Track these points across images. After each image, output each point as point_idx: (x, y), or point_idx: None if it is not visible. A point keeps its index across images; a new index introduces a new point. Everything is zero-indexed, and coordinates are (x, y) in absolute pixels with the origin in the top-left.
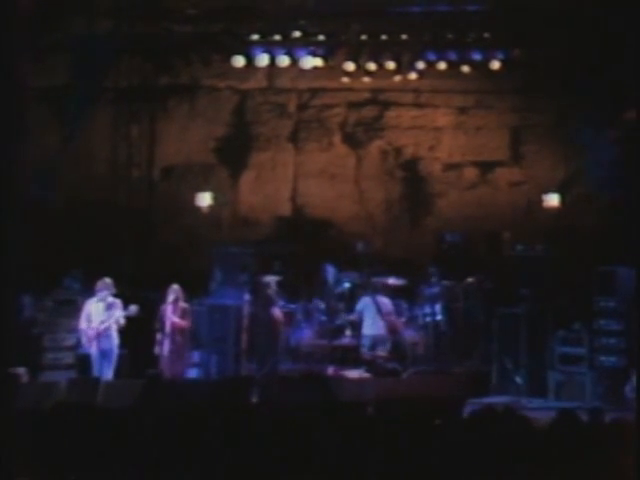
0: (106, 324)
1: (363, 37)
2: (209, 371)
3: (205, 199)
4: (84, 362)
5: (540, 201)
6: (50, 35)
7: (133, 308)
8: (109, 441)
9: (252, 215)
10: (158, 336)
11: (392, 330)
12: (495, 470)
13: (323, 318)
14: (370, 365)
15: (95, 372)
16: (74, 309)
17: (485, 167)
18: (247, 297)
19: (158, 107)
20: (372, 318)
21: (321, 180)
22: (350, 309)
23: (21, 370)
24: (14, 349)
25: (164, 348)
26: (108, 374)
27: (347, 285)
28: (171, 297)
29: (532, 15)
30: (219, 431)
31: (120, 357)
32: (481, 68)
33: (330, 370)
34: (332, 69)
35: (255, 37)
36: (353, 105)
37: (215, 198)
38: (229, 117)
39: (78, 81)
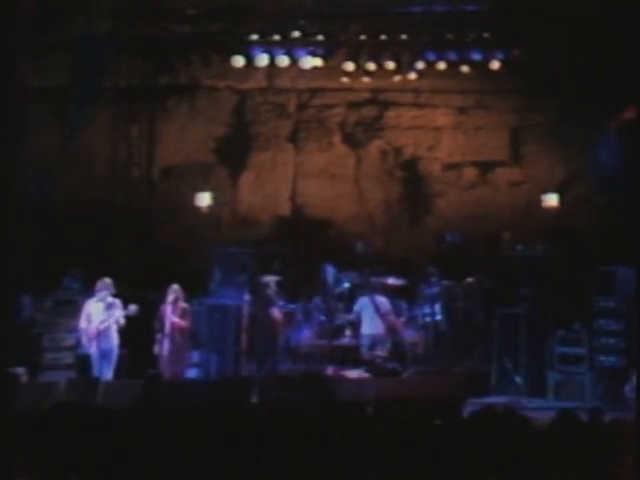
0: (106, 323)
1: (363, 37)
2: (209, 371)
3: (205, 199)
4: (84, 362)
5: (540, 201)
6: (50, 35)
7: (133, 308)
8: (109, 441)
9: (252, 215)
10: (158, 336)
11: (392, 330)
12: (495, 470)
13: (323, 318)
14: (370, 365)
15: (95, 372)
16: (74, 309)
17: (485, 167)
18: (247, 297)
19: (158, 107)
20: (370, 318)
21: (321, 180)
22: (349, 309)
23: (21, 370)
24: (13, 349)
25: (164, 348)
26: (108, 374)
27: (347, 285)
28: (171, 297)
29: (532, 15)
30: (219, 431)
31: (120, 357)
32: (481, 68)
33: (330, 370)
34: (332, 69)
35: (255, 37)
36: (353, 105)
37: (215, 198)
38: (229, 117)
39: (78, 81)
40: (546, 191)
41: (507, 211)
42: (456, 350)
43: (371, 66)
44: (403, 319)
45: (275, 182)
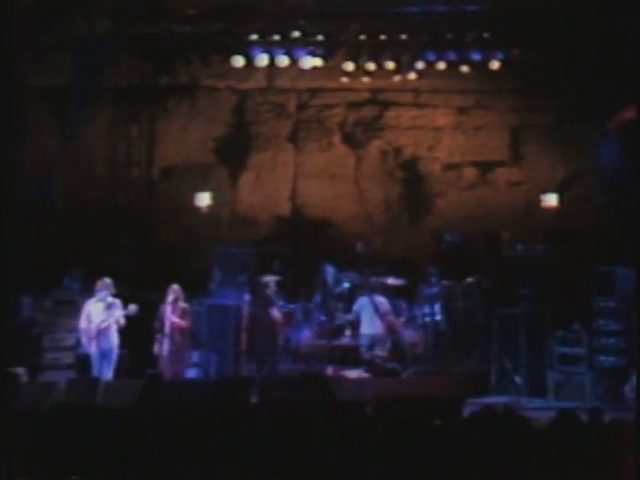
0: (106, 323)
1: (362, 37)
2: (209, 371)
3: (204, 199)
4: (84, 362)
5: (539, 201)
6: (50, 35)
7: (132, 307)
8: (109, 441)
9: (251, 215)
10: (158, 336)
11: (391, 330)
12: (495, 470)
13: (323, 318)
14: (369, 365)
15: (95, 372)
16: (74, 309)
17: (484, 167)
18: (246, 297)
19: (158, 107)
20: (369, 318)
21: (320, 180)
22: (349, 309)
23: (20, 370)
24: (13, 349)
25: (164, 348)
26: (108, 374)
27: (346, 285)
28: (171, 297)
29: (531, 15)
30: (219, 431)
31: (120, 357)
32: (480, 68)
33: (329, 370)
34: (331, 69)
35: (254, 37)
36: (352, 105)
37: (214, 198)
38: (229, 117)
39: (78, 81)
40: (546, 191)
41: (507, 211)
42: (456, 350)
43: (371, 66)
44: (403, 319)
45: (275, 182)
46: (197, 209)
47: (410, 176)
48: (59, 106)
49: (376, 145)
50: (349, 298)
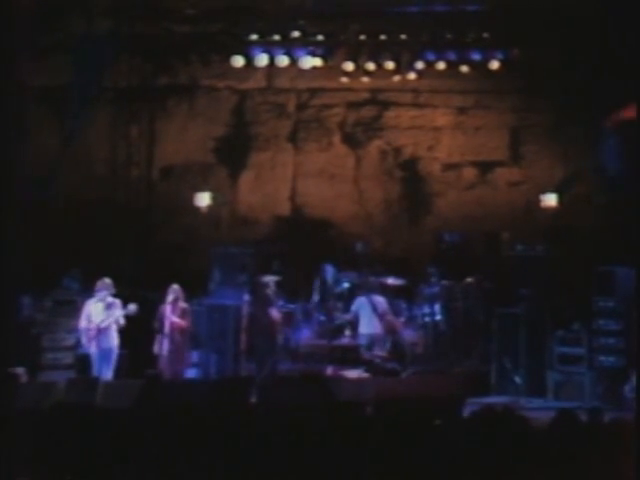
0: (106, 323)
1: (362, 37)
2: (208, 371)
3: (204, 199)
4: (83, 362)
5: (539, 201)
6: (50, 35)
7: (132, 307)
8: (108, 441)
9: (251, 215)
10: (158, 336)
11: (391, 330)
12: (495, 470)
13: (322, 318)
14: (369, 365)
15: (95, 372)
16: (73, 309)
17: (484, 167)
18: (246, 297)
19: (157, 107)
20: (368, 317)
21: (320, 180)
22: (349, 309)
23: (20, 370)
24: (13, 349)
25: (163, 348)
26: (107, 374)
27: (346, 285)
28: (171, 297)
29: (531, 15)
30: (218, 431)
31: (119, 357)
32: (480, 68)
33: (329, 370)
34: (331, 69)
35: (254, 37)
36: (352, 105)
37: (214, 198)
38: (228, 117)
39: (78, 81)
40: (545, 191)
41: (506, 211)
42: (456, 350)
43: (370, 66)
44: (402, 319)
45: (275, 182)
46: (197, 209)
47: (410, 176)
48: (59, 106)
49: (376, 145)
50: (349, 298)
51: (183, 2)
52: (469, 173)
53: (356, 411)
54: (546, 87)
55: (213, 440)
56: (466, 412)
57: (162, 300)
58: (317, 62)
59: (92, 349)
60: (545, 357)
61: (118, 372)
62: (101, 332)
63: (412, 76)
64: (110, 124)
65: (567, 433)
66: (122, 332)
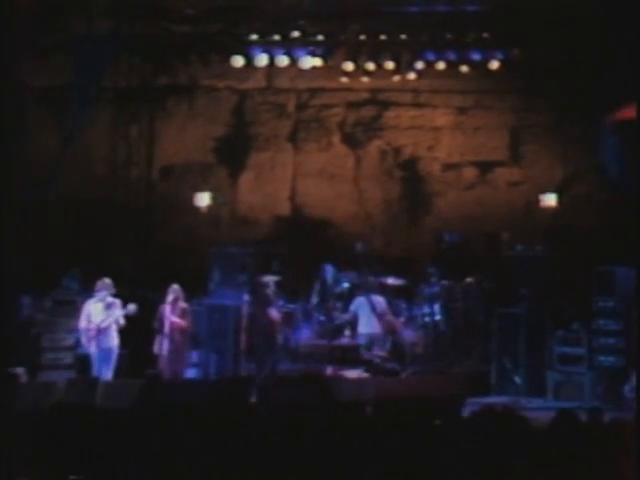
0: (106, 323)
1: (362, 37)
2: (208, 371)
3: (204, 199)
4: (83, 362)
5: (539, 201)
6: (50, 35)
7: (132, 307)
8: (108, 441)
9: (251, 215)
10: (157, 336)
11: (391, 330)
12: (495, 470)
13: (322, 318)
14: (369, 365)
15: (94, 372)
16: (73, 309)
17: (484, 167)
18: (246, 297)
19: (157, 107)
20: (367, 317)
21: (320, 180)
22: (348, 309)
23: (20, 370)
24: (13, 349)
25: (163, 348)
26: (107, 374)
27: (346, 285)
28: (170, 297)
29: (531, 15)
30: (218, 431)
31: (119, 357)
32: (480, 68)
33: (329, 370)
34: (331, 69)
35: (254, 37)
36: (352, 105)
37: (214, 198)
38: (228, 117)
39: (78, 81)
40: (545, 191)
41: (506, 211)
42: (455, 350)
43: (370, 66)
44: (402, 319)
45: (274, 182)
46: (197, 209)
47: (409, 176)
48: (59, 106)
49: (375, 145)
50: (349, 298)
51: (183, 2)
52: (469, 173)
53: (356, 411)
54: (546, 87)
55: (213, 440)
56: (466, 412)
57: (162, 300)
58: (317, 62)
59: (92, 349)
60: (545, 357)
61: (118, 372)
62: (101, 332)
63: (412, 76)
64: (110, 124)
65: (567, 433)
66: (122, 332)
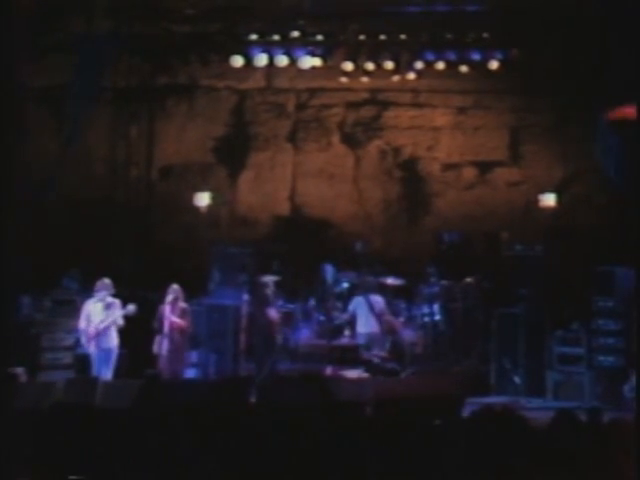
0: (105, 323)
1: (361, 37)
2: (207, 371)
3: (204, 199)
4: (83, 362)
5: (538, 201)
6: (50, 35)
7: (131, 307)
8: (108, 441)
9: (251, 215)
10: (157, 336)
11: (390, 330)
12: (494, 470)
13: (322, 318)
14: (368, 365)
15: (94, 372)
16: (72, 309)
17: (484, 167)
18: (245, 297)
19: (157, 107)
20: (365, 317)
21: (320, 180)
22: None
23: (19, 370)
24: (13, 349)
25: (163, 348)
26: (107, 374)
27: (346, 285)
28: (170, 297)
29: (531, 15)
30: (218, 431)
31: (119, 357)
32: (480, 68)
33: (328, 370)
34: (330, 69)
35: (253, 37)
36: (352, 105)
37: (214, 198)
38: (228, 117)
39: (77, 81)
40: (545, 191)
41: (506, 211)
42: (455, 350)
43: (370, 66)
44: (402, 319)
45: (274, 182)
46: (196, 209)
47: (409, 176)
48: (59, 107)
49: (375, 145)
50: (348, 298)
51: (182, 2)
52: (468, 173)
53: (355, 411)
54: (545, 87)
55: (212, 440)
56: (465, 412)
57: (161, 300)
58: (316, 62)
59: (91, 349)
60: (544, 357)
61: (117, 372)
62: (100, 332)
63: (411, 76)
64: (109, 124)
65: (566, 433)
66: (121, 332)
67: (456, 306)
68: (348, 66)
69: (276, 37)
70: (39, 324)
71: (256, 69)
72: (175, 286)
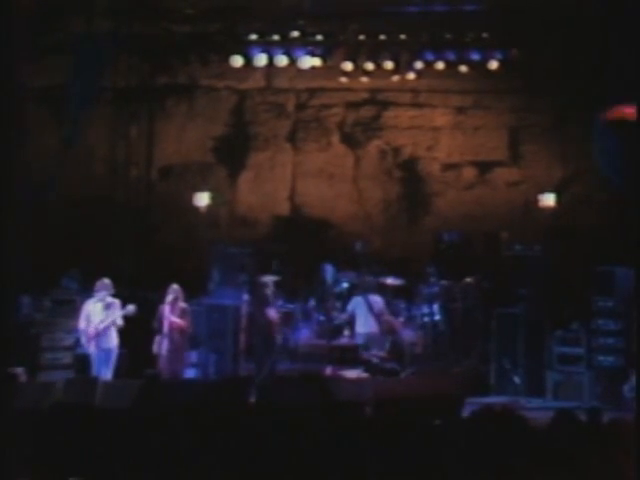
0: (105, 323)
1: (361, 37)
2: (207, 371)
3: (203, 199)
4: (82, 362)
5: (538, 201)
6: (49, 35)
7: (131, 308)
8: (107, 441)
9: (250, 215)
10: (157, 336)
11: (390, 330)
12: (494, 470)
13: (321, 318)
14: (368, 365)
15: (94, 372)
16: (72, 309)
17: (483, 167)
18: (245, 297)
19: (156, 107)
20: (364, 316)
21: (319, 180)
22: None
23: (19, 370)
24: (12, 349)
25: (162, 348)
26: (107, 374)
27: (345, 285)
28: (170, 297)
29: (530, 15)
30: (217, 431)
31: (119, 356)
32: (479, 68)
33: (328, 370)
34: (330, 69)
35: (253, 37)
36: (351, 105)
37: (213, 198)
38: (227, 117)
39: (77, 81)
40: (544, 191)
41: (506, 211)
42: (455, 350)
43: (370, 66)
44: (402, 319)
45: (274, 182)
46: (196, 209)
47: (409, 176)
48: (58, 107)
49: (375, 145)
50: (348, 298)
51: (182, 2)
52: (468, 173)
53: (355, 411)
54: (545, 87)
55: (212, 440)
56: (465, 412)
57: (161, 300)
58: (316, 62)
59: (91, 349)
60: (544, 357)
61: (117, 372)
62: (100, 332)
63: (411, 76)
64: (109, 124)
65: (566, 433)
66: (121, 332)
67: (456, 306)
68: (348, 66)
69: (276, 37)
70: (39, 324)
71: (256, 69)
72: (175, 286)
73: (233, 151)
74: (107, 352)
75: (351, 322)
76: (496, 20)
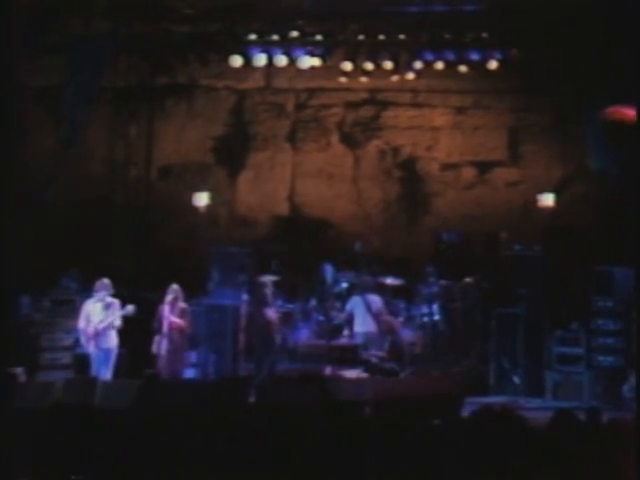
0: (104, 323)
1: (361, 37)
2: (207, 371)
3: (203, 199)
4: (82, 362)
5: (537, 201)
6: (48, 35)
7: (130, 308)
8: (107, 441)
9: (250, 215)
10: (156, 336)
11: (389, 330)
12: (493, 470)
13: (321, 318)
14: (368, 365)
15: (93, 372)
16: (72, 309)
17: (483, 167)
18: (245, 297)
19: (156, 107)
20: (362, 316)
21: (319, 180)
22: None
23: (19, 370)
24: (12, 349)
25: (162, 348)
26: (106, 374)
27: (345, 285)
28: (170, 297)
29: (530, 15)
30: (217, 431)
31: (118, 357)
32: (479, 68)
33: (328, 370)
34: (330, 69)
35: (253, 37)
36: (351, 105)
37: (213, 198)
38: (227, 117)
39: (76, 81)
40: (544, 191)
41: (505, 211)
42: (454, 350)
43: (369, 66)
44: (401, 319)
45: (273, 182)
46: (195, 209)
47: (408, 176)
48: (57, 106)
49: (374, 145)
50: (347, 298)
51: (181, 2)
52: (468, 173)
53: (355, 411)
54: (545, 87)
55: (212, 440)
56: (465, 412)
57: (161, 300)
58: (316, 62)
59: (91, 349)
60: (544, 357)
61: (117, 372)
62: (100, 332)
63: (411, 76)
64: (109, 124)
65: (566, 433)
66: (121, 332)
67: (455, 306)
68: (347, 66)
69: (275, 37)
70: (38, 324)
71: (255, 69)
72: (174, 286)
73: (232, 151)
74: (106, 352)
75: (350, 322)
76: (496, 20)
